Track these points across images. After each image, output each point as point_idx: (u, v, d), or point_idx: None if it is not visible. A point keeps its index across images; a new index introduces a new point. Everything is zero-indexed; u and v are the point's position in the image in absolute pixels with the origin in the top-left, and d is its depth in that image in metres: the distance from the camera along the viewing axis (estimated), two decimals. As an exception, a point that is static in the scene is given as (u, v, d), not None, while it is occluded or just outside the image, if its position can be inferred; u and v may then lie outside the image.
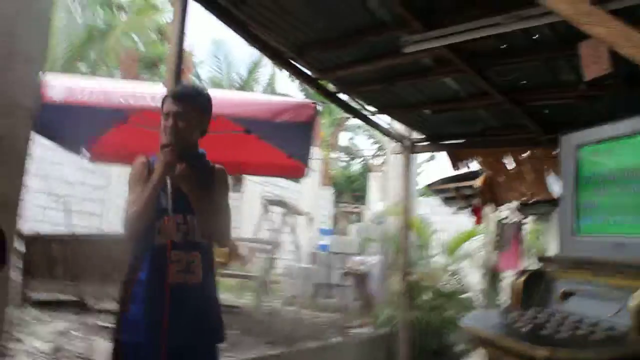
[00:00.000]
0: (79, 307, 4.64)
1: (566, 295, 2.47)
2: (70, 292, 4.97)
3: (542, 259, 2.84)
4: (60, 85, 4.94)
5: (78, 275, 4.85)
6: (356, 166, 25.08)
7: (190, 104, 2.44)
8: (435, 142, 5.82)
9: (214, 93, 5.01)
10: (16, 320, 4.01)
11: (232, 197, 14.34)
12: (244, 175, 14.65)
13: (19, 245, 5.26)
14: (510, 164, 6.11)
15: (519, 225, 8.73)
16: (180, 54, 3.11)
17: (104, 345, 3.66)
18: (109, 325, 4.57)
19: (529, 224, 13.01)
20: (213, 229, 2.39)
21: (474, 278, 7.49)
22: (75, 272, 4.56)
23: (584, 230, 2.60)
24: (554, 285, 2.57)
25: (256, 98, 5.72)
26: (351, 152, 24.20)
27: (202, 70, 22.74)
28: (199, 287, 2.32)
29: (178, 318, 2.22)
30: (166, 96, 2.43)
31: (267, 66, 21.94)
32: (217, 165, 2.59)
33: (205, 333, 2.34)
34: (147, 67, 19.53)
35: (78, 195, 12.39)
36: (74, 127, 5.90)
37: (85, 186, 12.72)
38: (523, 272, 2.71)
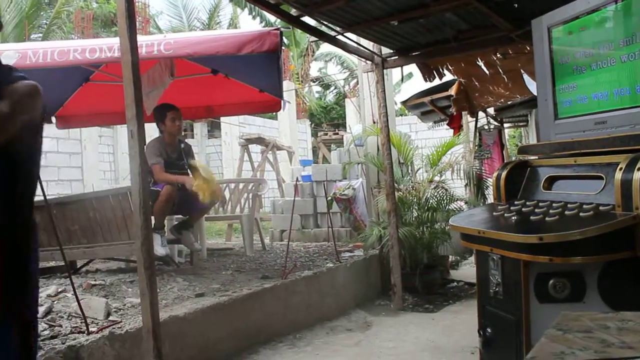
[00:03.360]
0: (70, 269, 4.56)
1: (551, 182, 2.44)
2: (58, 257, 4.89)
3: (523, 149, 2.79)
4: (9, 50, 4.72)
5: (63, 239, 4.76)
6: (331, 95, 24.91)
7: None
8: (406, 54, 5.70)
9: (170, 37, 4.87)
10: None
11: (212, 143, 14.28)
12: (220, 118, 14.51)
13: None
14: (483, 67, 6.03)
15: (499, 131, 8.73)
16: (130, 5, 2.91)
17: (96, 302, 3.64)
18: (100, 282, 4.60)
19: (509, 129, 13.10)
20: None
21: (459, 189, 7.51)
22: (60, 237, 4.46)
23: (564, 113, 2.54)
24: (537, 173, 2.53)
25: (217, 34, 5.54)
26: (324, 82, 23.95)
27: (162, 21, 22.20)
28: None
29: None
30: None
31: (228, 7, 21.44)
32: None
33: None
34: (104, 25, 18.96)
35: (54, 164, 12.24)
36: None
37: (60, 154, 12.56)
38: (506, 164, 2.66)
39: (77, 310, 3.41)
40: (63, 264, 4.83)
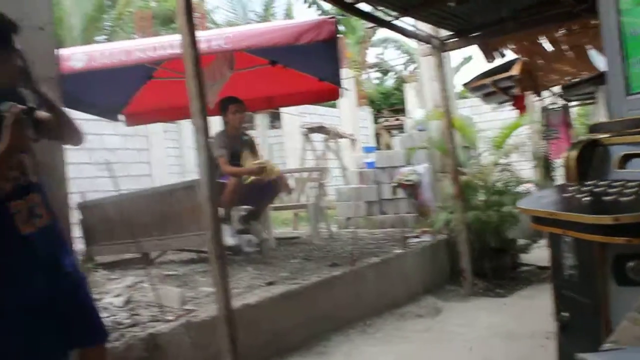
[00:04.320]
0: (145, 261, 4.76)
1: (625, 160, 2.36)
2: (134, 249, 5.08)
3: (594, 127, 2.70)
4: (78, 53, 4.92)
5: (138, 232, 4.94)
6: (390, 81, 24.67)
7: None
8: (465, 36, 5.60)
9: (228, 31, 4.96)
10: (90, 283, 4.14)
11: (273, 133, 14.53)
12: (280, 109, 14.64)
13: (77, 215, 5.39)
14: (547, 44, 5.84)
15: (565, 110, 8.47)
16: (188, 1, 2.97)
17: (171, 292, 3.77)
18: (174, 273, 4.76)
19: (576, 107, 12.65)
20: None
21: (526, 171, 7.35)
22: (134, 230, 4.65)
23: (638, 88, 2.44)
24: (610, 152, 2.45)
25: (273, 25, 5.61)
26: (382, 68, 23.75)
27: (218, 16, 22.54)
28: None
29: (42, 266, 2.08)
30: None
31: (282, -1, 21.61)
32: None
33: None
34: (163, 23, 19.44)
35: (123, 160, 12.69)
36: (102, 93, 5.95)
37: (129, 151, 13.01)
38: (576, 144, 2.59)
39: (154, 300, 3.55)
40: (138, 256, 5.04)
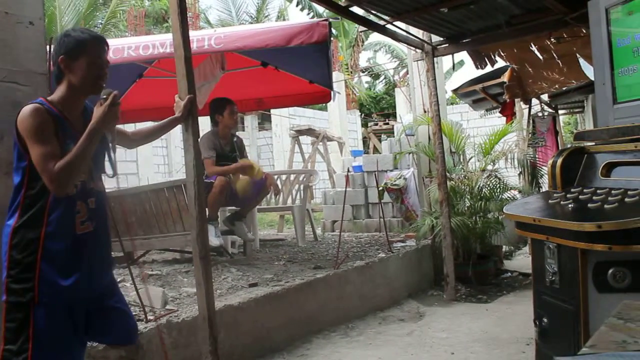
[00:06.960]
0: (128, 260, 4.71)
1: (610, 168, 2.37)
2: (117, 248, 5.03)
3: (580, 135, 2.72)
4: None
5: (121, 231, 4.89)
6: (380, 85, 24.74)
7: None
8: (456, 42, 5.62)
9: (220, 31, 4.94)
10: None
11: (262, 135, 14.52)
12: (270, 110, 14.64)
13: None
14: (537, 52, 5.88)
15: (553, 118, 8.52)
16: (182, 0, 2.95)
17: (153, 292, 3.73)
18: (157, 273, 4.72)
19: (564, 116, 12.74)
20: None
21: (512, 178, 7.38)
22: (118, 229, 4.60)
23: (624, 97, 2.45)
24: (595, 160, 2.46)
25: (266, 27, 5.58)
26: (373, 72, 23.81)
27: (211, 16, 22.53)
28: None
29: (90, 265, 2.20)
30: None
31: (276, 0, 21.67)
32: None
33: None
34: (155, 22, 19.39)
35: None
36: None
37: (117, 149, 12.89)
38: (561, 151, 2.60)
39: (135, 299, 3.50)
40: (121, 254, 4.99)
